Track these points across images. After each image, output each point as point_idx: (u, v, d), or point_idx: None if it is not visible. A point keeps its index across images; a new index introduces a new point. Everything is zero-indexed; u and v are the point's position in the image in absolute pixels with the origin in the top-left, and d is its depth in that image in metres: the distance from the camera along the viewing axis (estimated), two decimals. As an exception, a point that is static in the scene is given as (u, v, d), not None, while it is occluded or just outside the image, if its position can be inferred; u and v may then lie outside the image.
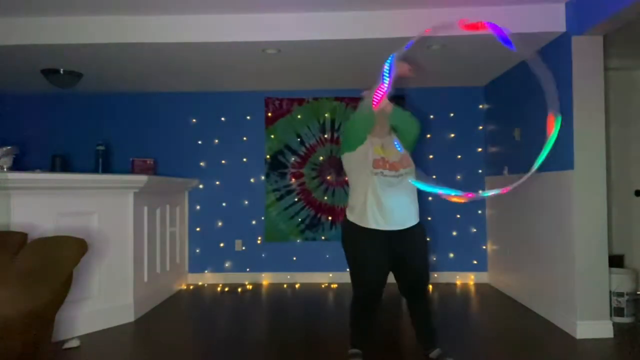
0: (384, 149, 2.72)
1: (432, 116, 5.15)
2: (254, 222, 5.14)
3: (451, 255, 5.07)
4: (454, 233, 5.05)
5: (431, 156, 5.10)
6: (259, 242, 5.12)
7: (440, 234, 5.05)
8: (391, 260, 2.65)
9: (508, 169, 4.45)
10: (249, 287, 4.90)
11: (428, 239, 2.79)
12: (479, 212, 5.07)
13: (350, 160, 2.74)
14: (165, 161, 5.14)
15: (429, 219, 5.03)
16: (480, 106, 5.13)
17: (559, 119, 2.24)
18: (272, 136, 5.16)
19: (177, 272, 4.79)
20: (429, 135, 5.13)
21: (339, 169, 4.88)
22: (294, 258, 5.11)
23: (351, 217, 2.71)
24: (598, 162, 3.28)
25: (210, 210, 5.15)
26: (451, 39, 3.56)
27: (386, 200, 2.62)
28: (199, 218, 5.15)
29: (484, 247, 5.06)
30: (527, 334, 3.37)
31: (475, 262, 5.06)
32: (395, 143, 2.68)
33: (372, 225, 2.62)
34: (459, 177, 5.10)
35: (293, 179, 5.14)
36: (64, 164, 4.86)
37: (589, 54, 3.28)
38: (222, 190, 5.17)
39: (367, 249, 2.62)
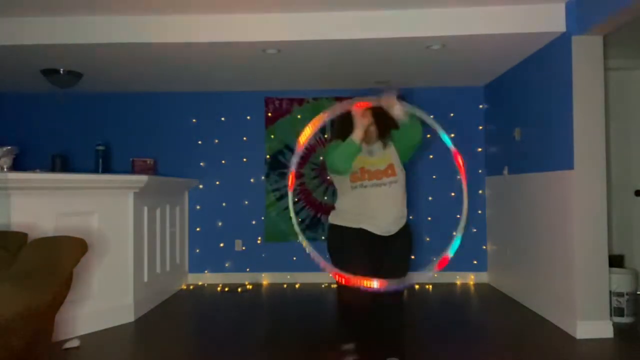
0: (369, 157, 2.63)
1: (432, 116, 5.13)
2: (254, 222, 5.13)
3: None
4: (454, 233, 5.04)
5: (431, 156, 5.10)
6: (259, 242, 5.12)
7: (440, 234, 5.04)
8: (372, 261, 2.57)
9: (508, 169, 4.46)
10: (249, 287, 4.90)
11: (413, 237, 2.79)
12: (479, 212, 5.07)
13: (333, 177, 2.73)
14: (165, 161, 5.13)
15: (429, 219, 5.03)
16: (480, 106, 5.13)
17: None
18: (272, 136, 5.16)
19: (177, 272, 4.79)
20: (429, 136, 5.11)
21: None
22: (294, 258, 5.11)
23: (335, 220, 2.69)
24: (598, 162, 3.27)
25: (210, 210, 5.15)
26: (451, 39, 3.56)
27: (367, 209, 2.58)
28: (199, 218, 5.15)
29: (484, 247, 5.06)
30: (527, 334, 3.37)
31: (475, 262, 5.06)
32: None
33: (355, 225, 2.59)
34: (459, 177, 5.09)
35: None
36: (64, 164, 4.86)
37: (589, 54, 3.28)
38: (222, 190, 5.16)
39: (351, 249, 2.58)
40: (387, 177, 2.60)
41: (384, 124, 2.64)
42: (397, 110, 2.51)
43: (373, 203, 2.59)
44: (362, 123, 2.49)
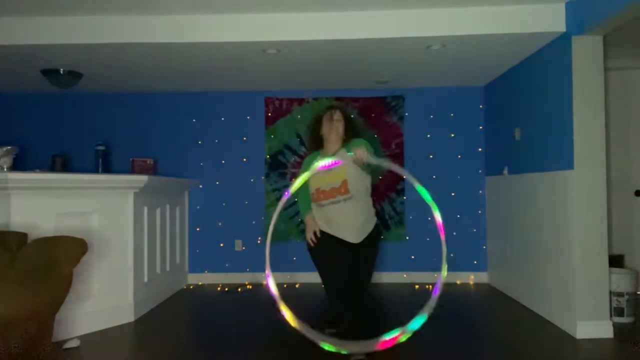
0: (324, 176, 2.89)
1: (432, 116, 5.15)
2: (254, 222, 5.14)
3: (451, 255, 5.06)
4: (454, 233, 5.05)
5: (431, 156, 5.10)
6: (258, 242, 5.12)
7: (439, 234, 5.04)
8: (345, 260, 2.91)
9: (508, 169, 4.46)
10: (249, 287, 4.90)
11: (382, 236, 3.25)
12: (479, 212, 5.07)
13: None
14: (165, 161, 5.14)
15: (429, 219, 5.01)
16: (480, 106, 5.13)
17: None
18: (272, 136, 5.16)
19: (177, 272, 4.79)
20: (429, 135, 5.13)
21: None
22: (294, 258, 5.11)
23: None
24: (598, 162, 3.27)
25: (210, 210, 5.15)
26: (451, 39, 3.56)
27: (330, 222, 2.93)
28: (199, 218, 5.15)
29: (484, 247, 5.06)
30: (527, 334, 3.37)
31: (475, 262, 5.06)
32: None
33: (326, 230, 2.97)
34: (459, 177, 5.10)
35: (293, 179, 5.13)
36: (64, 164, 4.86)
37: (589, 54, 3.28)
38: (222, 190, 5.16)
39: (326, 251, 2.95)
40: (340, 195, 2.88)
41: (349, 126, 2.99)
42: (368, 159, 2.63)
43: (334, 217, 2.92)
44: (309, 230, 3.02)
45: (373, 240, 3.03)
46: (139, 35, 3.54)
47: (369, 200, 3.04)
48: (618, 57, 4.11)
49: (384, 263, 4.94)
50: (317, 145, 3.09)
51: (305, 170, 3.00)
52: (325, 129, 3.02)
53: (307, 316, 3.96)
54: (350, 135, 2.99)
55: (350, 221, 2.91)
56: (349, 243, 2.93)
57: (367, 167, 2.87)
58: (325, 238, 2.97)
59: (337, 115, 2.99)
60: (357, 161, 2.57)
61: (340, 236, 2.93)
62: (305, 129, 3.21)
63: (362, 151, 2.51)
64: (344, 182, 2.87)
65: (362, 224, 2.95)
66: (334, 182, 2.88)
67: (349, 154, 2.65)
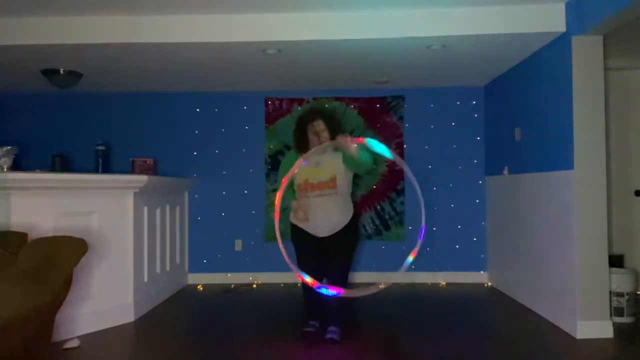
0: (313, 170, 3.08)
1: (432, 116, 5.14)
2: (254, 222, 5.13)
3: (451, 255, 5.06)
4: (454, 233, 5.05)
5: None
6: (259, 242, 5.12)
7: (440, 234, 5.05)
8: (316, 255, 3.16)
9: (508, 169, 4.46)
10: (249, 287, 4.90)
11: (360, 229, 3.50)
12: (479, 212, 5.07)
13: None
14: (165, 161, 5.13)
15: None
16: (481, 106, 5.13)
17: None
18: (272, 136, 5.16)
19: (177, 272, 4.79)
20: (428, 135, 5.13)
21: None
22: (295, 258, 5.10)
23: (292, 219, 3.23)
24: (598, 162, 3.27)
25: (210, 210, 5.15)
26: (451, 39, 3.56)
27: (312, 213, 3.07)
28: (199, 218, 5.15)
29: (484, 247, 5.06)
30: (527, 334, 3.37)
31: (475, 262, 5.06)
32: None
33: (302, 226, 3.17)
34: (459, 176, 5.09)
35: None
36: (64, 164, 4.85)
37: (589, 54, 3.28)
38: (222, 190, 5.16)
39: (301, 246, 3.20)
40: (328, 189, 3.06)
41: (334, 131, 3.08)
42: (352, 148, 2.84)
43: (315, 210, 3.07)
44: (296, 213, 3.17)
45: (346, 235, 3.15)
46: (139, 35, 3.54)
47: (350, 199, 3.23)
48: (618, 57, 4.11)
49: (383, 263, 4.94)
50: (304, 148, 3.14)
51: (285, 170, 3.11)
52: (313, 140, 3.11)
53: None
54: (336, 132, 3.06)
55: (331, 214, 3.09)
56: (320, 238, 3.13)
57: (352, 160, 3.01)
58: (296, 232, 3.21)
59: (321, 126, 3.09)
60: (340, 145, 2.81)
61: (312, 231, 3.13)
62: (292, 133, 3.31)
63: (347, 140, 2.76)
64: (333, 178, 3.06)
65: (340, 220, 3.12)
66: (323, 176, 3.06)
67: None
